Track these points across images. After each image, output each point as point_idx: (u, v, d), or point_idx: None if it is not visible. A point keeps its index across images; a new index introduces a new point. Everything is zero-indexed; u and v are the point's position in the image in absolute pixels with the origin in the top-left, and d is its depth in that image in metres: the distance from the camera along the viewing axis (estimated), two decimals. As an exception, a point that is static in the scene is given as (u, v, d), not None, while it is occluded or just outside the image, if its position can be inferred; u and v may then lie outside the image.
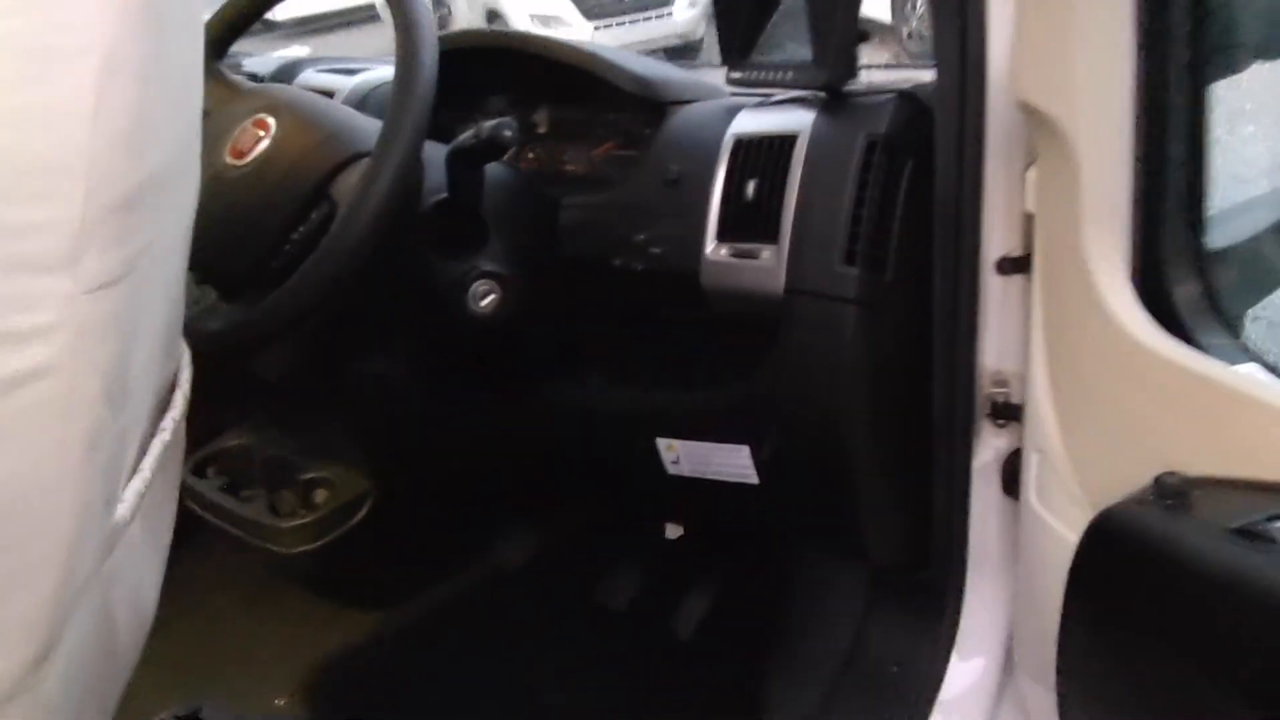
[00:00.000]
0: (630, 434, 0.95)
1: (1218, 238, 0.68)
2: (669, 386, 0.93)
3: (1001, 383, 0.87)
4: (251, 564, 1.45)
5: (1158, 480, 0.58)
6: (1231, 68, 0.65)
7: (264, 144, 0.83)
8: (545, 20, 7.02)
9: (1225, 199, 0.68)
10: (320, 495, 1.38)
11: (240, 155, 0.82)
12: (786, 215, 0.81)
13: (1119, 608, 0.61)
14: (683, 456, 0.93)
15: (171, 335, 0.58)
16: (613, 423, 0.97)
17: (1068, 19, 0.65)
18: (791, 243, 0.81)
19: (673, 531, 1.21)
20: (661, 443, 0.93)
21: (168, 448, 0.58)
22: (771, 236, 0.82)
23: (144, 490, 0.53)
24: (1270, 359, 0.64)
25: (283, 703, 1.29)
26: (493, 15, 7.21)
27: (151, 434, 0.56)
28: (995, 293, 0.83)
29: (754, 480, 0.91)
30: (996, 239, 0.81)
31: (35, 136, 0.40)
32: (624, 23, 6.23)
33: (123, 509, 0.51)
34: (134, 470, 0.53)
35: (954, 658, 0.94)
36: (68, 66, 0.41)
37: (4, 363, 0.39)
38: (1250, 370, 0.63)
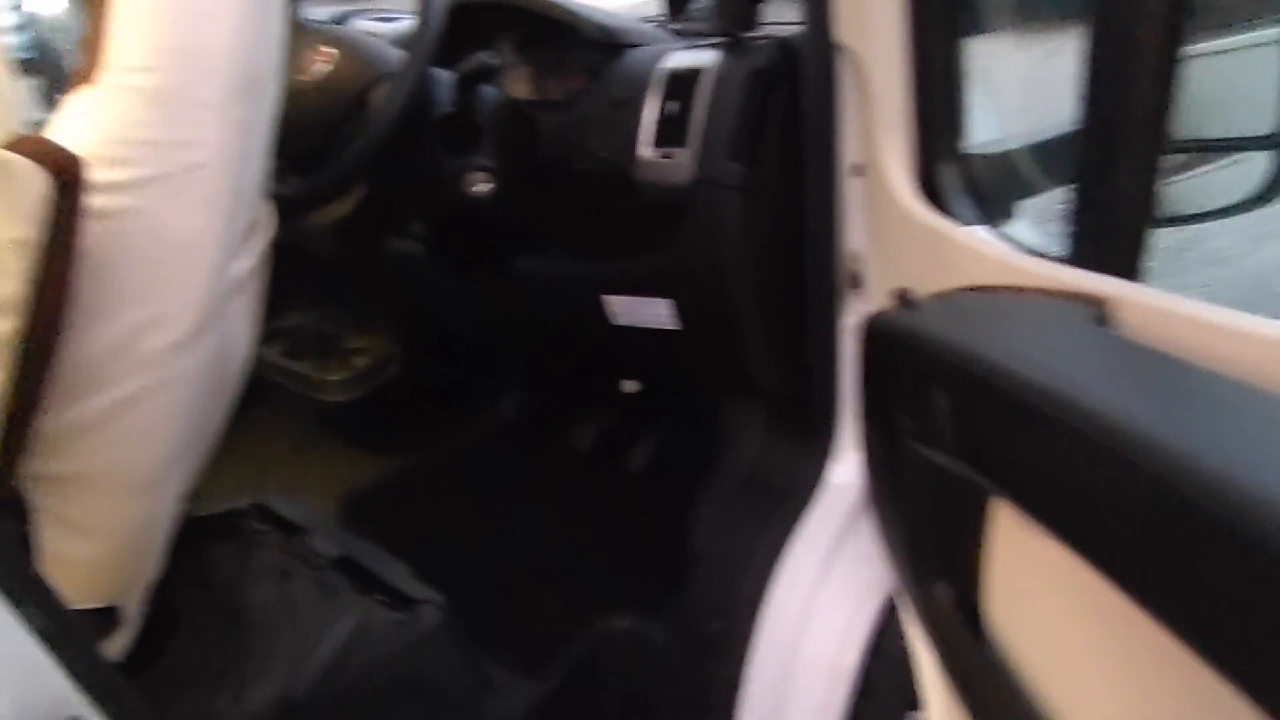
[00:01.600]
0: (584, 293, 1.26)
1: (972, 143, 0.97)
2: (611, 257, 1.24)
3: (859, 259, 1.16)
4: (302, 420, 1.80)
5: (894, 292, 0.88)
6: (979, 30, 0.93)
7: (323, 66, 1.16)
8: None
9: (977, 115, 0.97)
10: (359, 360, 1.73)
11: (306, 73, 1.16)
12: (694, 126, 1.12)
13: (871, 383, 0.91)
14: (621, 309, 1.24)
15: (262, 180, 0.91)
16: (571, 286, 1.28)
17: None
18: (697, 145, 1.12)
19: (629, 386, 1.53)
20: (606, 299, 1.24)
21: (257, 258, 0.91)
22: (684, 142, 1.13)
23: (245, 269, 0.87)
24: (995, 224, 0.93)
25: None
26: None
27: (248, 242, 0.90)
28: (854, 190, 1.12)
29: (676, 327, 1.22)
30: (852, 149, 1.10)
31: (206, 52, 0.73)
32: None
33: (235, 269, 0.84)
34: (240, 253, 0.87)
35: (830, 465, 1.22)
36: (218, 13, 0.74)
37: (184, 158, 0.72)
38: (974, 229, 0.92)
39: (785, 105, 1.10)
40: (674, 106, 1.13)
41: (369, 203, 1.33)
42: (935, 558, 0.90)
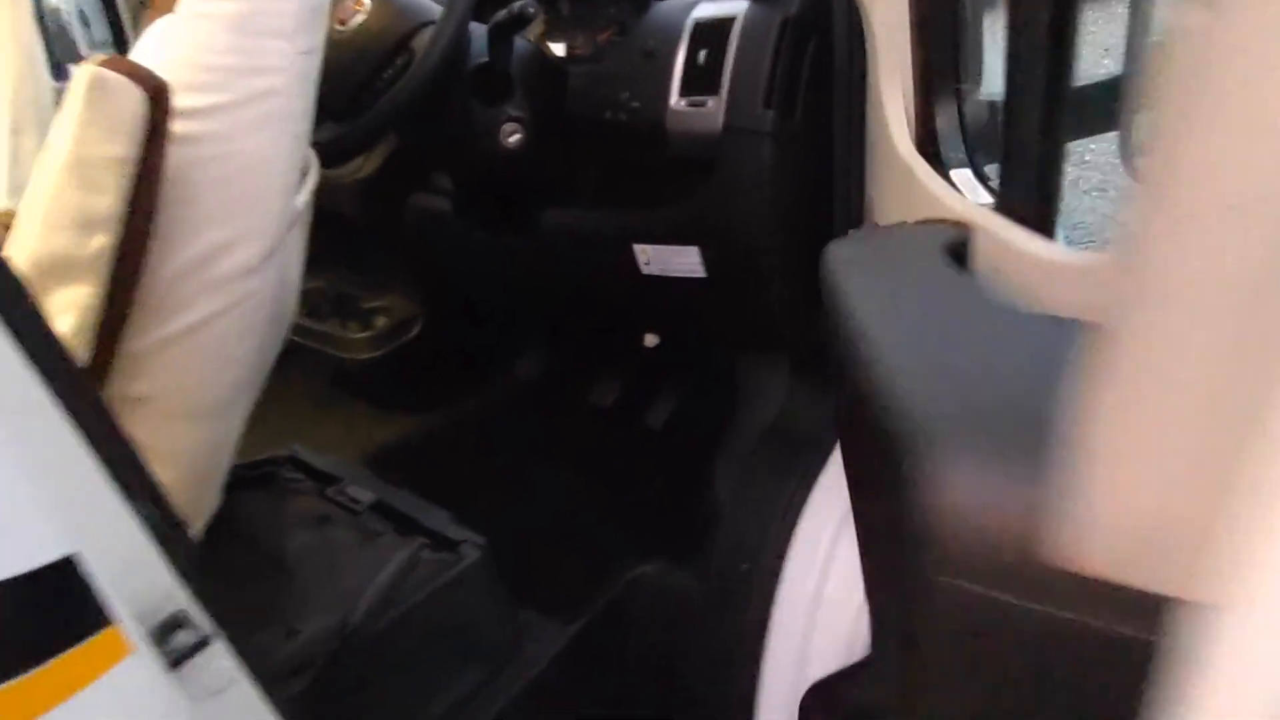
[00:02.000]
0: (613, 242, 1.28)
1: (967, 94, 1.00)
2: (641, 206, 1.26)
3: None
4: (324, 379, 1.82)
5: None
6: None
7: (360, 16, 1.18)
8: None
9: (974, 70, 1.01)
10: (380, 320, 1.74)
11: (343, 23, 1.17)
12: (725, 74, 1.14)
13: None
14: (652, 258, 1.26)
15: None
16: (600, 236, 1.31)
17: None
18: (728, 94, 1.14)
19: (650, 341, 1.56)
20: (636, 248, 1.27)
21: (308, 195, 0.93)
22: (715, 90, 1.15)
23: (301, 202, 0.89)
24: (981, 169, 0.97)
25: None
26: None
27: (302, 182, 0.92)
28: None
29: (703, 274, 1.25)
30: None
31: None
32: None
33: (297, 200, 0.86)
34: (299, 188, 0.89)
35: None
36: None
37: (256, 84, 0.74)
38: (960, 173, 0.96)
39: (815, 55, 1.13)
40: (705, 55, 1.15)
41: (395, 158, 1.35)
42: (868, 485, 0.92)
